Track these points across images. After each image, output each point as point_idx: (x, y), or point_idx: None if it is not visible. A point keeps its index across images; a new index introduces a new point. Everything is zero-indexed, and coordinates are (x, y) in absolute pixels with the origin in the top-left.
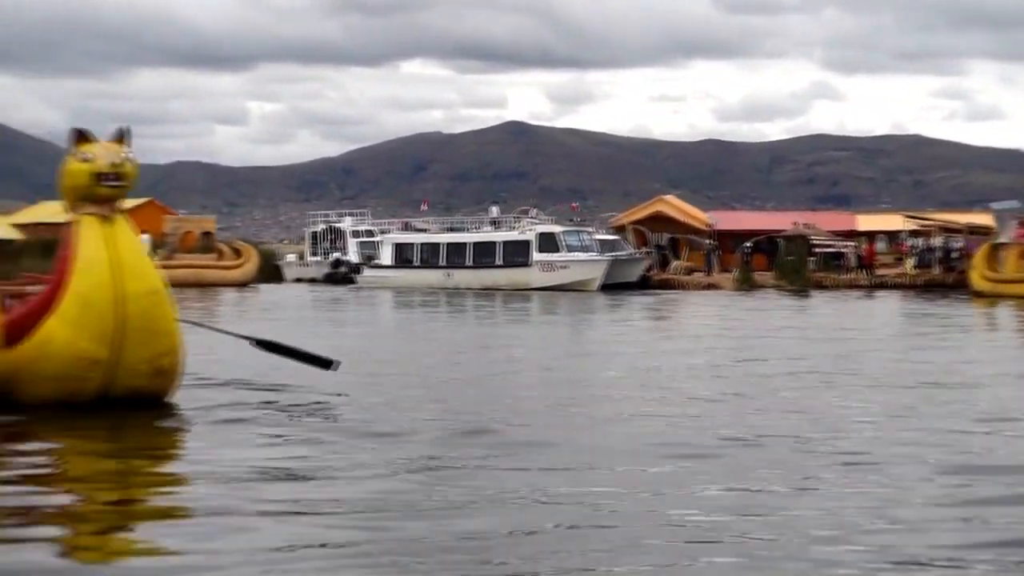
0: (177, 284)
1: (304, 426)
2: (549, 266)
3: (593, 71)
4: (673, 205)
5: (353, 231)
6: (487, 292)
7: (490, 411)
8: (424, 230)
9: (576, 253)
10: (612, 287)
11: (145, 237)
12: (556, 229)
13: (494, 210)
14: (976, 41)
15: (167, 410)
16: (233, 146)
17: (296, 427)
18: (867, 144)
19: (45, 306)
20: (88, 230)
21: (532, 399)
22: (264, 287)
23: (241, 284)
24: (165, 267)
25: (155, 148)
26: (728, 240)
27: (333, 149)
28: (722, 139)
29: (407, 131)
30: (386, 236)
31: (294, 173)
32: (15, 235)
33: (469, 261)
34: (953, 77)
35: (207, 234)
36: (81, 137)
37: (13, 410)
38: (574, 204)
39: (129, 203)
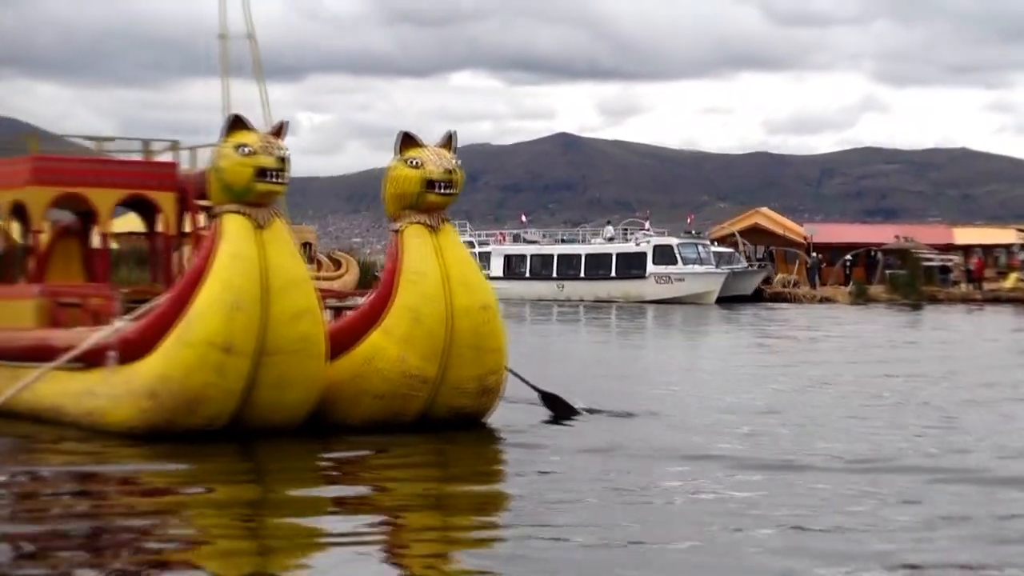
0: None
1: (626, 450)
2: (665, 278)
3: (642, 83)
4: (770, 217)
5: None
6: (600, 304)
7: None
8: (534, 242)
9: (692, 266)
10: (726, 300)
11: None
12: (672, 241)
13: (609, 229)
14: None
15: (488, 431)
16: None
17: (617, 453)
18: (916, 157)
19: (368, 319)
20: (415, 240)
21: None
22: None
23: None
24: None
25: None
26: (824, 253)
27: (382, 160)
28: (771, 151)
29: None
30: (496, 247)
31: (343, 184)
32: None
33: (582, 273)
34: (1002, 90)
35: (307, 245)
36: (408, 141)
37: (321, 433)
38: (690, 215)
39: None
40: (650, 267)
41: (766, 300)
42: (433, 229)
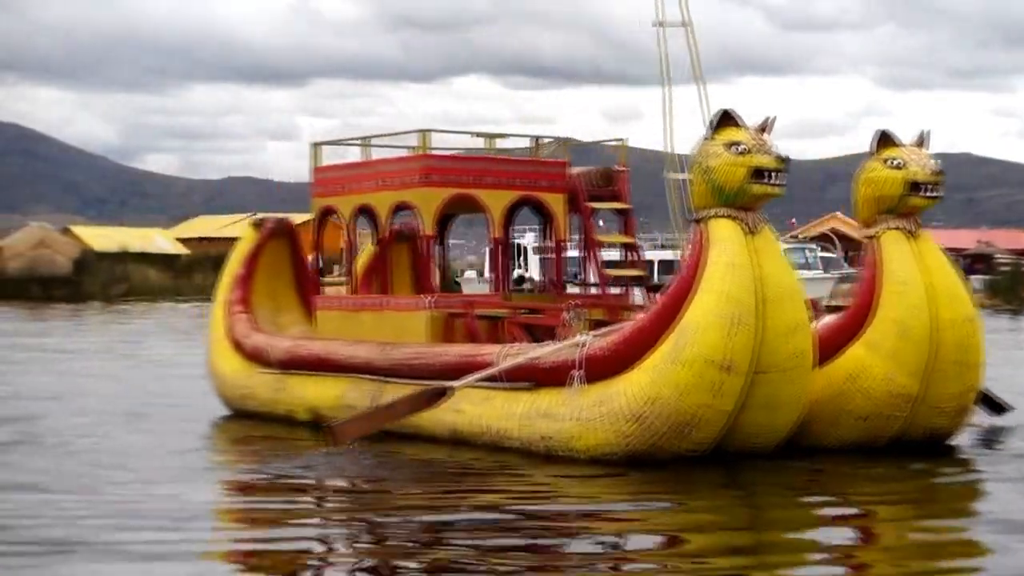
0: None
1: None
2: None
3: (644, 88)
4: (846, 222)
5: (535, 247)
6: None
7: None
8: (655, 248)
9: (801, 271)
10: (834, 305)
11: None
12: (781, 247)
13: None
14: None
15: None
16: (284, 162)
17: None
18: None
19: (847, 332)
20: (895, 247)
21: None
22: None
23: None
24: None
25: (208, 163)
26: None
27: None
28: None
29: (459, 146)
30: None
31: None
32: (182, 249)
33: (655, 278)
34: (1006, 95)
35: None
36: (885, 140)
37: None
38: (791, 220)
39: (302, 217)
40: None
41: None
42: (911, 234)
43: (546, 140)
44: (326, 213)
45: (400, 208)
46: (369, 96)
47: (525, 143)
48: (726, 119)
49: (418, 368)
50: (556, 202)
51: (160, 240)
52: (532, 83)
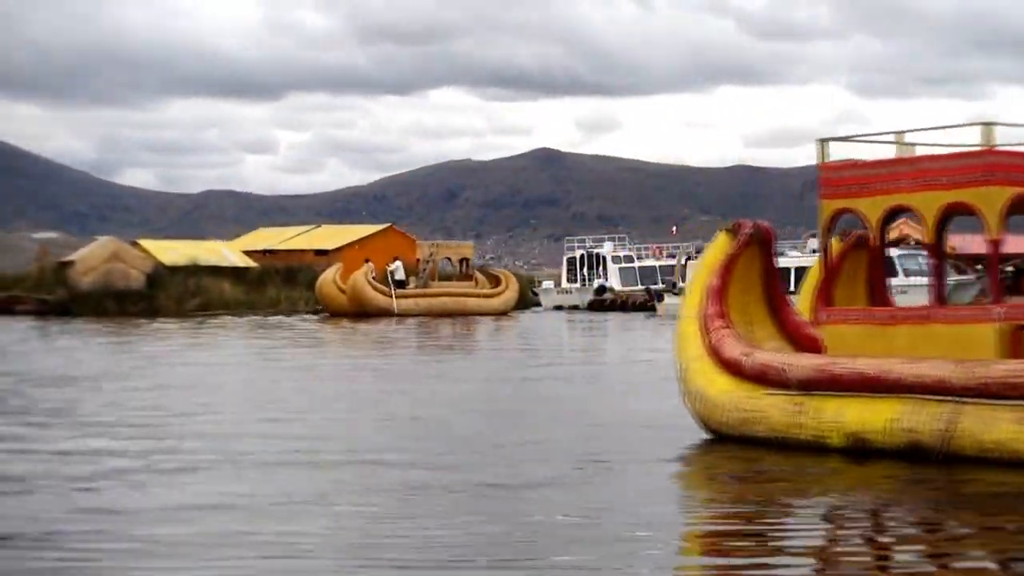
0: (437, 313)
1: None
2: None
3: (620, 98)
4: (916, 228)
5: (614, 256)
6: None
7: None
8: None
9: (915, 277)
10: None
11: (397, 263)
12: (893, 252)
13: (812, 243)
14: (1002, 66)
15: None
16: (262, 175)
17: None
18: None
19: None
20: None
21: None
22: (524, 315)
23: (501, 312)
24: (424, 295)
25: (187, 177)
26: (970, 263)
27: (363, 177)
28: (750, 164)
29: (437, 159)
30: (692, 262)
31: (324, 201)
32: (249, 262)
33: (791, 287)
34: (981, 101)
35: (464, 260)
36: None
37: None
38: (674, 227)
39: (366, 230)
40: None
41: None
42: None
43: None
44: (837, 216)
45: (952, 210)
46: (345, 109)
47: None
48: None
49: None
50: None
51: (228, 253)
52: (507, 94)
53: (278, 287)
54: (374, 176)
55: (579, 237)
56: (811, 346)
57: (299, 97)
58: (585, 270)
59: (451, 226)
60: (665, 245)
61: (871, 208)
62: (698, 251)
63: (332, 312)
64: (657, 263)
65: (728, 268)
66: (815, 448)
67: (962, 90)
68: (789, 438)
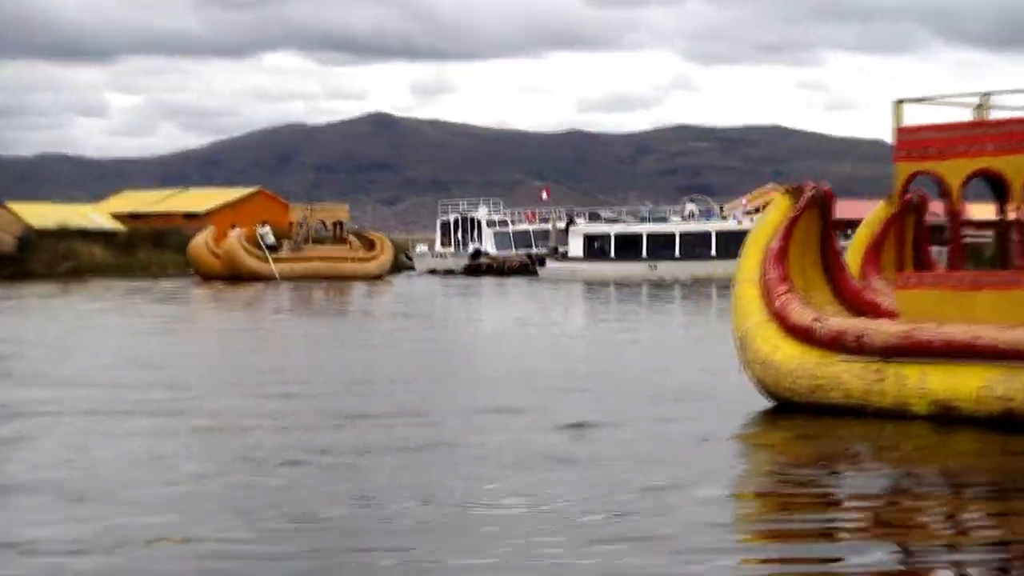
0: (311, 278)
1: None
2: None
3: (454, 62)
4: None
5: (489, 221)
6: (698, 284)
7: None
8: (615, 221)
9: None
10: None
11: (267, 227)
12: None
13: (691, 207)
14: (833, 33)
15: None
16: (95, 139)
17: None
18: (729, 135)
19: None
20: None
21: None
22: (397, 280)
23: (376, 277)
24: (298, 260)
25: (19, 140)
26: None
27: (196, 140)
28: (584, 130)
29: (270, 122)
30: (575, 227)
31: (159, 164)
32: (118, 226)
33: (677, 252)
34: (812, 68)
35: (339, 224)
36: None
37: None
38: (546, 189)
39: (235, 193)
40: None
41: None
42: None
43: None
44: (912, 179)
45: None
46: (179, 72)
47: None
48: None
49: None
50: None
51: (96, 216)
52: (341, 58)
53: (148, 251)
54: (207, 139)
55: (452, 201)
56: (869, 311)
57: (131, 60)
58: (460, 234)
59: (286, 190)
60: (538, 210)
61: (952, 172)
62: (569, 216)
63: (204, 276)
64: (531, 227)
65: (789, 231)
66: (896, 416)
67: (794, 56)
68: (868, 405)
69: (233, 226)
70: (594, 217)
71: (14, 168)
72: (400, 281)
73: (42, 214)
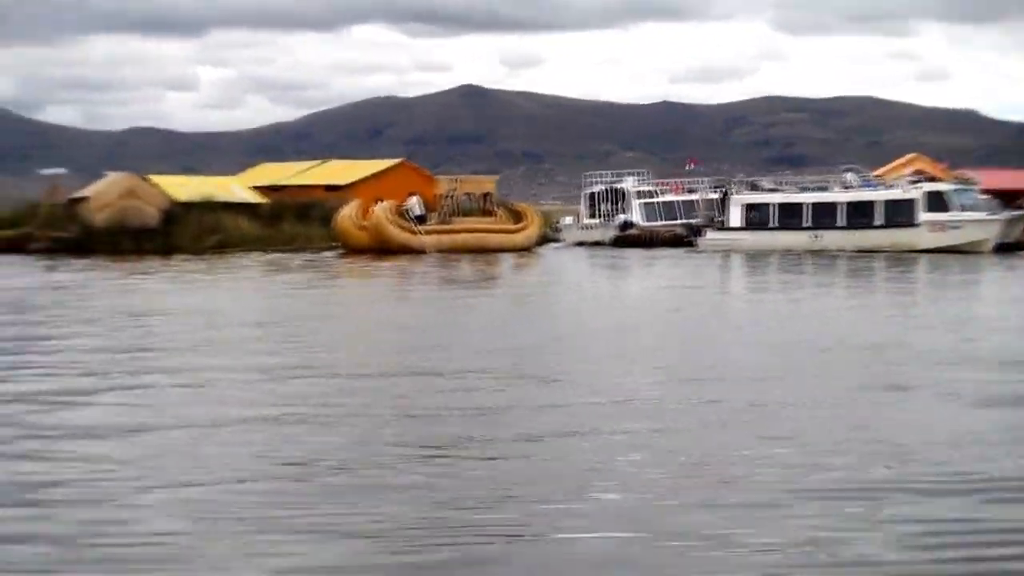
0: (458, 250)
1: None
2: (939, 226)
3: (544, 33)
4: (929, 163)
5: (637, 191)
6: (864, 255)
7: None
8: (775, 190)
9: (968, 212)
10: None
11: (414, 199)
12: (945, 187)
13: (850, 177)
14: (924, 2)
15: None
16: (184, 112)
17: None
18: (821, 106)
19: None
20: None
21: None
22: (545, 251)
23: (523, 249)
24: (445, 232)
25: (109, 115)
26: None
27: (286, 114)
28: (673, 101)
29: (360, 95)
30: (735, 196)
31: (249, 137)
32: (259, 198)
33: (841, 221)
34: (904, 39)
35: (486, 195)
36: None
37: None
38: (691, 160)
39: (378, 165)
40: (922, 215)
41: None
42: None
43: None
44: None
45: None
46: (268, 45)
47: None
48: None
49: None
50: None
51: (237, 189)
52: (430, 30)
53: (292, 223)
54: (298, 113)
55: (598, 172)
56: None
57: (220, 34)
58: (606, 205)
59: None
60: (684, 181)
61: None
62: (716, 187)
63: (350, 248)
64: (677, 198)
65: None
66: None
67: (885, 26)
68: None
69: (380, 199)
70: (753, 187)
71: (105, 142)
72: (548, 253)
73: (185, 187)
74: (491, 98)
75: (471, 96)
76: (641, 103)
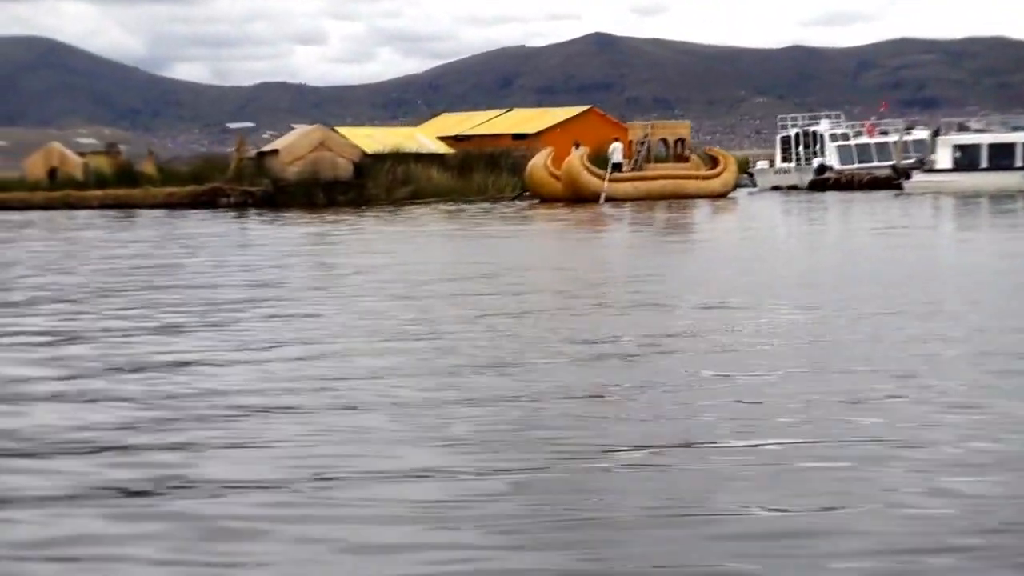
0: (655, 197)
1: None
2: None
3: None
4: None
5: (832, 134)
6: None
7: None
8: (982, 130)
9: None
10: None
11: (616, 145)
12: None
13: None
14: None
15: None
16: (314, 66)
17: None
18: (951, 47)
19: None
20: None
21: None
22: (739, 197)
23: (720, 195)
24: (640, 179)
25: (238, 70)
26: None
27: (415, 66)
28: (805, 45)
29: (488, 46)
30: (943, 137)
31: (380, 91)
32: (447, 148)
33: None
34: None
35: (681, 141)
36: None
37: None
38: (883, 104)
39: (565, 112)
40: None
41: None
42: None
43: None
44: None
45: None
46: None
47: None
48: None
49: None
50: None
51: (424, 139)
52: None
53: (482, 173)
54: (427, 65)
55: (791, 116)
56: None
57: None
58: (801, 149)
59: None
60: (877, 122)
61: None
62: (909, 128)
63: (543, 198)
64: (871, 140)
65: None
66: None
67: None
68: None
69: (577, 144)
70: (961, 127)
71: (235, 98)
72: (744, 199)
73: (371, 138)
74: (620, 45)
75: (601, 44)
76: (771, 47)
